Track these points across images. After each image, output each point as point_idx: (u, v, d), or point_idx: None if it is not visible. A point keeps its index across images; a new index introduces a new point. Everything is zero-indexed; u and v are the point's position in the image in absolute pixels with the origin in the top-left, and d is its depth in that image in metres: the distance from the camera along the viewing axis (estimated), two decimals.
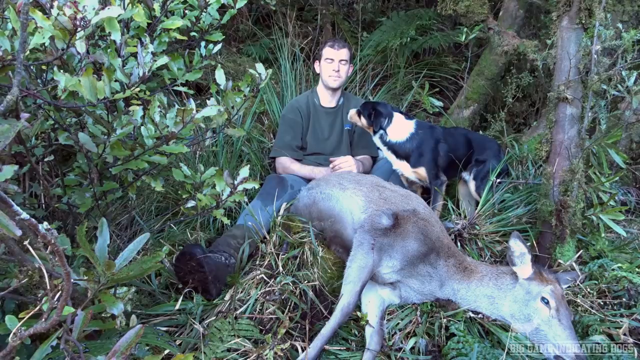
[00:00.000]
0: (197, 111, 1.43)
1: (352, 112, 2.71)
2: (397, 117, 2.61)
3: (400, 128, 2.60)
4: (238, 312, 1.83)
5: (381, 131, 2.59)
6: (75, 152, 1.52)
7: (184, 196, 1.69)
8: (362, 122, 2.66)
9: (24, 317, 0.91)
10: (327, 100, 2.89)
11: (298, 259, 2.03)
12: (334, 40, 2.84)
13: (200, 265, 1.83)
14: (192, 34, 1.81)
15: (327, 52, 2.79)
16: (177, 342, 1.68)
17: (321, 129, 2.88)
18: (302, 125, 2.85)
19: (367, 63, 3.98)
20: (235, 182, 1.63)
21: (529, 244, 2.12)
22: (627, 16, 2.48)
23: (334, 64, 2.77)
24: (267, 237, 2.14)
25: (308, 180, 2.64)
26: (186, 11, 1.75)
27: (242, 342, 1.66)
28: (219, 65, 1.74)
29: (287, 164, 2.77)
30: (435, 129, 2.67)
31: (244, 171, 1.64)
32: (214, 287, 1.89)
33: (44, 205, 1.52)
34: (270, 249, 2.06)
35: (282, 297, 1.90)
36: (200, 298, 1.88)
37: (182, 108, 1.41)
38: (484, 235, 2.25)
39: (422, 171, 2.57)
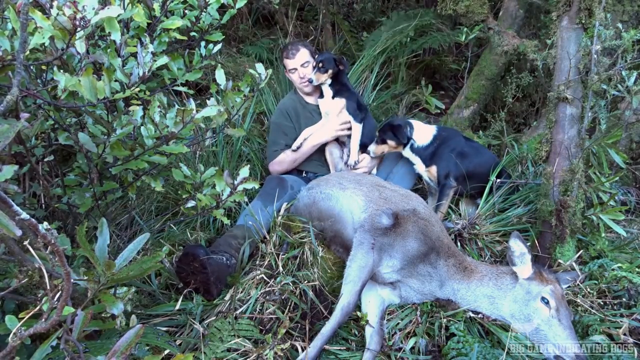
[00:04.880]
0: (197, 111, 1.43)
1: (375, 148, 2.67)
2: (415, 123, 2.67)
3: (423, 132, 2.64)
4: (238, 312, 1.83)
5: (411, 140, 2.62)
6: (75, 152, 1.52)
7: (184, 196, 1.69)
8: (391, 144, 2.65)
9: (24, 317, 0.91)
10: (312, 99, 2.90)
11: (298, 259, 2.03)
12: (287, 48, 2.80)
13: (203, 267, 1.83)
14: (192, 34, 1.81)
15: (286, 63, 2.79)
16: (177, 342, 1.68)
17: (314, 123, 2.87)
18: (294, 127, 2.83)
19: (367, 63, 3.98)
20: (235, 182, 1.63)
21: (529, 244, 2.11)
22: (627, 16, 2.48)
23: (297, 72, 2.77)
24: (267, 237, 2.14)
25: (308, 180, 2.64)
26: (186, 11, 1.75)
27: (242, 342, 1.67)
28: (219, 65, 1.74)
29: (288, 154, 2.75)
30: (461, 140, 2.65)
31: (244, 171, 1.64)
32: (215, 287, 1.89)
33: (44, 205, 1.52)
34: (270, 249, 2.06)
35: (282, 297, 1.90)
36: (200, 298, 1.88)
37: (182, 108, 1.41)
38: (484, 235, 2.26)
39: (433, 170, 2.60)
